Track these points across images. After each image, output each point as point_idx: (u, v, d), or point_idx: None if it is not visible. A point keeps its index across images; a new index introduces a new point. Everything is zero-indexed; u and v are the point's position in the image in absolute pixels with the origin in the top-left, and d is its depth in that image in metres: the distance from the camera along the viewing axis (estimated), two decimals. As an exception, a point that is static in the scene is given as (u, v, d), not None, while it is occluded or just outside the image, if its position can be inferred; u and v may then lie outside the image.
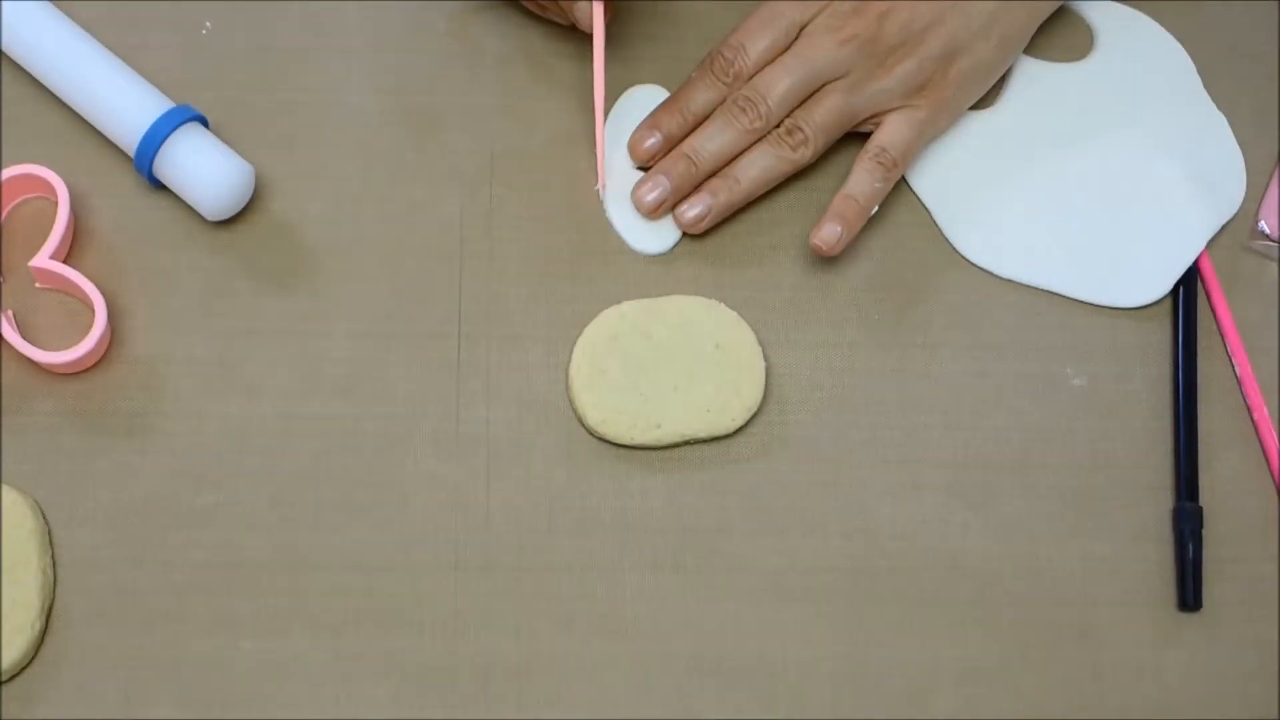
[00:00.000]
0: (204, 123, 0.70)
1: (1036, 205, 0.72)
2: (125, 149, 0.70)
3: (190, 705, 0.62)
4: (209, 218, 0.69)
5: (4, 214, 0.70)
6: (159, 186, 0.70)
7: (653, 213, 0.70)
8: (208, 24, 0.74)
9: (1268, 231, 0.72)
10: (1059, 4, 0.73)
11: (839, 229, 0.68)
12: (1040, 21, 0.73)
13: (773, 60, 0.70)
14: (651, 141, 0.70)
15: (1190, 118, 0.74)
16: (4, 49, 0.72)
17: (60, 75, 0.70)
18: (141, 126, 0.68)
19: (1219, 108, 0.75)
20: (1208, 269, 0.72)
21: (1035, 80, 0.74)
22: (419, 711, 0.63)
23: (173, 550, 0.65)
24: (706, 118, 0.70)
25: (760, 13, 0.70)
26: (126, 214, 0.70)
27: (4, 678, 0.62)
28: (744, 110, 0.69)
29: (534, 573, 0.65)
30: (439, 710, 0.63)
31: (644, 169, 0.71)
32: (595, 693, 0.63)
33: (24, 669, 0.63)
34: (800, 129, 0.69)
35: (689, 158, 0.69)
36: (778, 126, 0.69)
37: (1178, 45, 0.76)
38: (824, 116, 0.69)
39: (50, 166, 0.69)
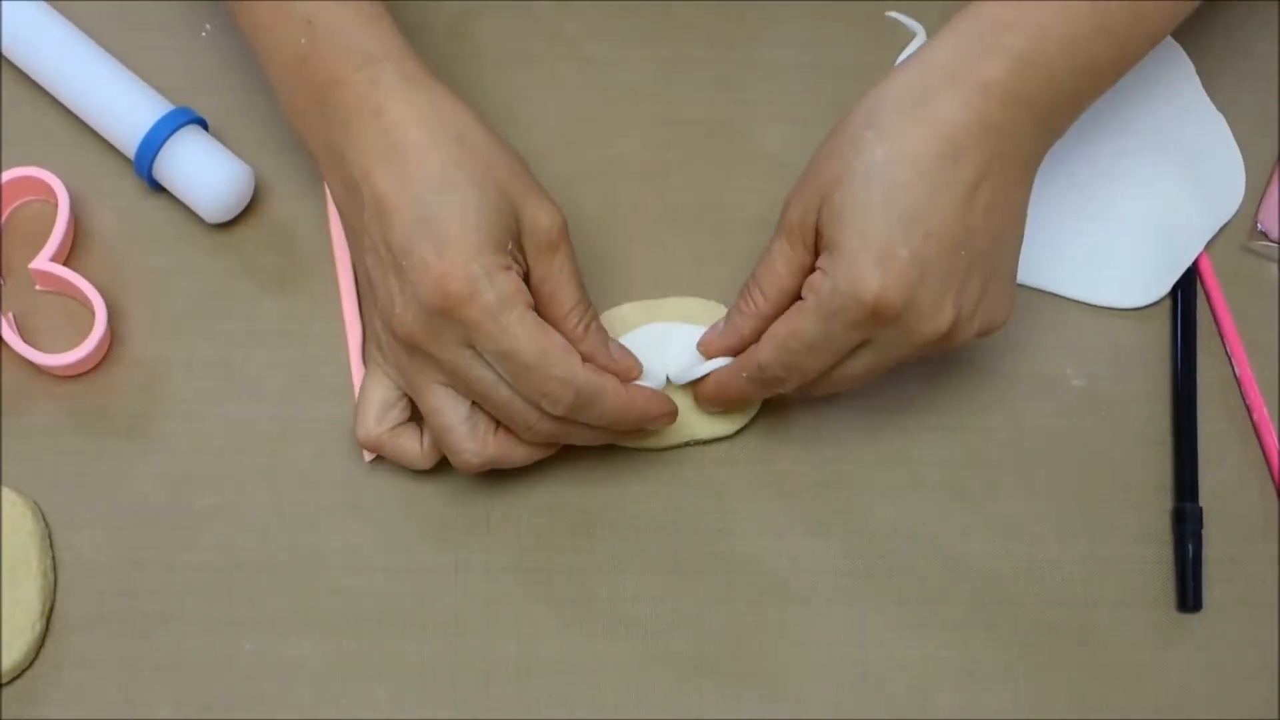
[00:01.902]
0: (204, 125, 0.70)
1: (1037, 206, 0.72)
2: (125, 151, 0.70)
3: (190, 707, 0.62)
4: (209, 220, 0.69)
5: (4, 216, 0.70)
6: (159, 189, 0.70)
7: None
8: (207, 26, 0.74)
9: (1267, 232, 0.72)
10: None
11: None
12: None
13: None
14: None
15: (1190, 118, 0.74)
16: (4, 51, 0.72)
17: (60, 78, 0.70)
18: (141, 129, 0.68)
19: (1218, 108, 0.75)
20: (1207, 270, 0.72)
21: (1034, 81, 0.74)
22: (419, 712, 0.63)
23: (173, 552, 0.65)
24: None
25: (810, 331, 0.59)
26: (126, 216, 0.70)
27: (4, 679, 0.62)
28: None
29: (534, 573, 0.65)
30: (439, 711, 0.63)
31: None
32: (596, 694, 0.63)
33: (24, 671, 0.63)
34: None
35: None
36: None
37: (1177, 46, 0.76)
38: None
39: (50, 169, 0.69)
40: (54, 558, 0.64)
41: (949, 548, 0.66)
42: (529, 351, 0.58)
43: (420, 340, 0.59)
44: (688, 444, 0.67)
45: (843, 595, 0.65)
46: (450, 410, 0.61)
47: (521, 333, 0.58)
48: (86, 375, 0.67)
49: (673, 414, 0.63)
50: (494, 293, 0.57)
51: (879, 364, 0.61)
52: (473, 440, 0.61)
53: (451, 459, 0.62)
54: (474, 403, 0.61)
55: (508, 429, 0.62)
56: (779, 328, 0.61)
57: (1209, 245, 0.72)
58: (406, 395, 0.63)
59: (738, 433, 0.67)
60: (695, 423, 0.67)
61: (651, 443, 0.66)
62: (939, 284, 0.59)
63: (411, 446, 0.63)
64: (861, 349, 0.61)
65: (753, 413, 0.67)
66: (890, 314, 0.58)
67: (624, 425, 0.62)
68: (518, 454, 0.62)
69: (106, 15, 0.73)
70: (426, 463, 0.64)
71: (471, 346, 0.59)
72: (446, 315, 0.57)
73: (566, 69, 0.74)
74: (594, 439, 0.63)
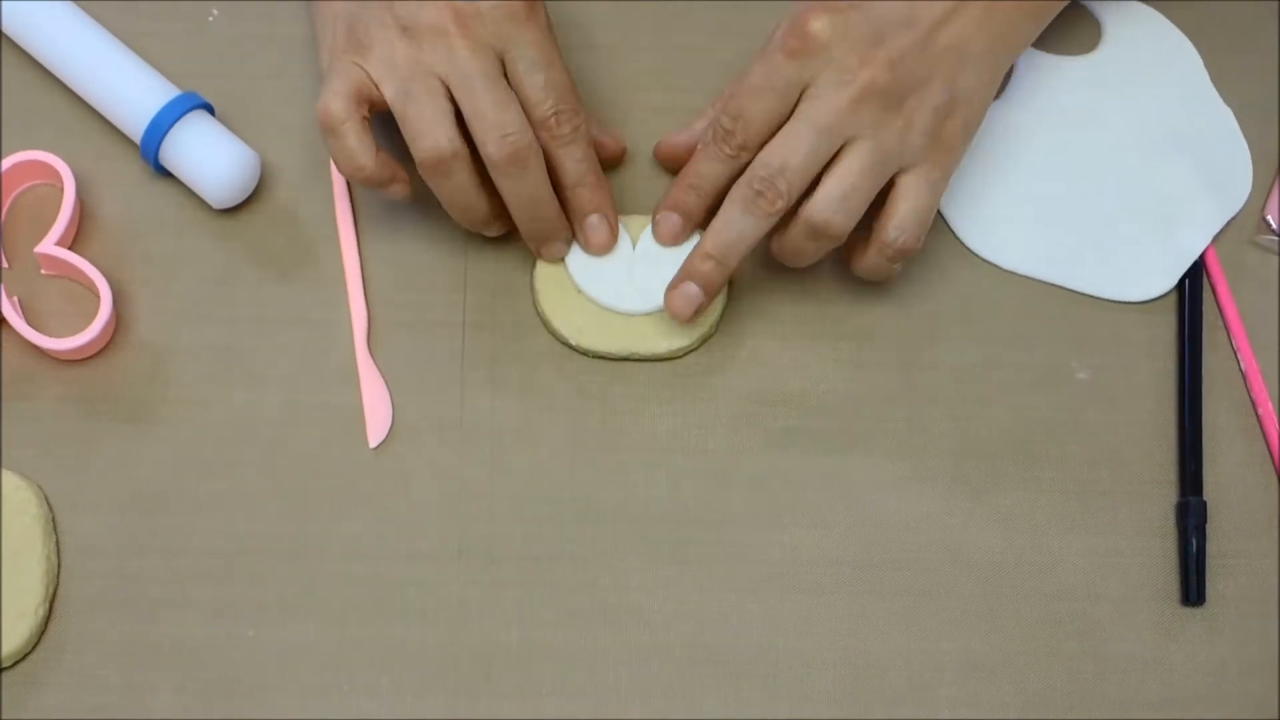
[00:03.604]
0: (210, 110, 0.70)
1: (1042, 198, 0.72)
2: (131, 136, 0.70)
3: (192, 691, 0.63)
4: (214, 205, 0.69)
5: (9, 200, 0.70)
6: (164, 173, 0.70)
7: (689, 317, 0.66)
8: (214, 11, 0.74)
9: (1274, 226, 0.71)
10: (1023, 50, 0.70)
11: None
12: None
13: (779, 125, 0.63)
14: (674, 221, 0.67)
15: (1197, 111, 0.74)
16: (10, 35, 0.72)
17: (67, 62, 0.70)
18: (147, 113, 0.68)
19: (1226, 101, 0.74)
20: (1213, 263, 0.71)
21: (1042, 73, 0.74)
22: (421, 699, 0.63)
23: (176, 537, 0.65)
24: (723, 188, 0.65)
25: (754, 75, 0.63)
26: (132, 201, 0.70)
27: (7, 663, 0.62)
28: (762, 194, 0.63)
29: (537, 562, 0.65)
30: (441, 698, 0.63)
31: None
32: (597, 682, 0.63)
33: (27, 655, 0.63)
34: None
35: (716, 260, 0.65)
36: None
37: (1185, 38, 0.76)
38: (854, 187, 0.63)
39: (56, 153, 0.69)
40: (57, 542, 0.64)
41: (951, 540, 0.66)
42: (564, 69, 0.65)
43: (455, 24, 0.62)
44: (628, 358, 0.68)
45: (844, 586, 0.65)
46: (442, 98, 0.63)
47: (559, 55, 0.65)
48: (91, 360, 0.68)
49: (567, 240, 0.68)
50: (548, 19, 0.65)
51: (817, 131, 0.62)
52: (448, 129, 0.63)
53: (419, 141, 0.63)
54: None
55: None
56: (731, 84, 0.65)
57: (1215, 239, 0.72)
58: (372, 100, 0.64)
59: (740, 424, 0.67)
60: (639, 340, 0.67)
61: (594, 344, 0.67)
62: (875, 30, 0.62)
63: (368, 143, 0.64)
64: (802, 101, 0.63)
65: (696, 334, 0.68)
66: (822, 38, 0.62)
67: (583, 199, 0.66)
68: (463, 179, 0.64)
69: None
70: (372, 168, 0.64)
71: (493, 48, 0.63)
72: (507, 11, 0.63)
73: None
74: (522, 206, 0.65)
